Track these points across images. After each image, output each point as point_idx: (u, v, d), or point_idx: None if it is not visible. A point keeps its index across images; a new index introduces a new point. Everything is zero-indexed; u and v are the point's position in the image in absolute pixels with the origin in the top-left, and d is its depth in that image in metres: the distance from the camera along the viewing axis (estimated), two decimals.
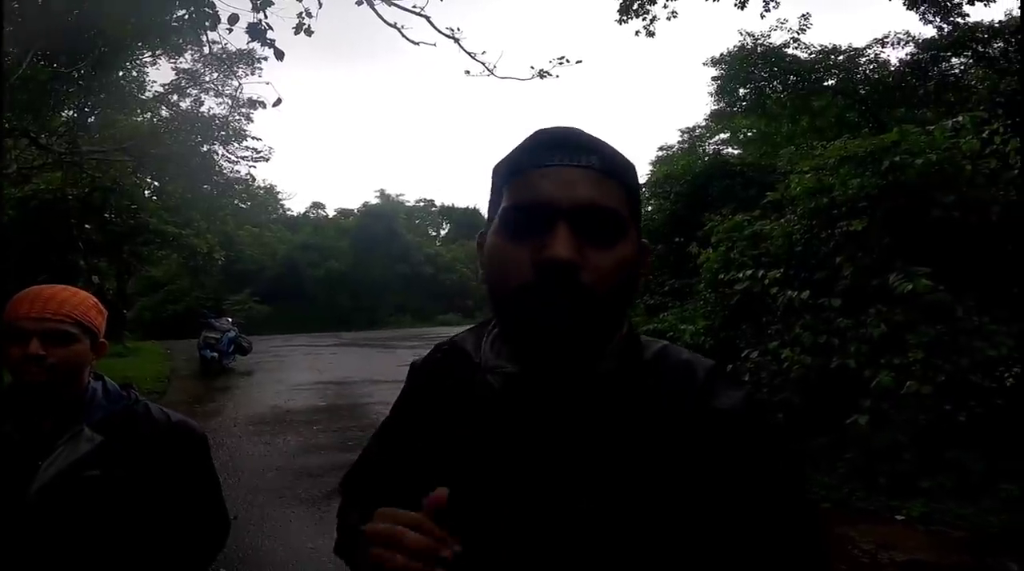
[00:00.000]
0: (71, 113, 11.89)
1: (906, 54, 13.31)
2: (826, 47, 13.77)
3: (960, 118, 5.22)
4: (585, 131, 0.72)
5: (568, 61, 6.88)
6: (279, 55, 4.85)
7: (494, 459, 0.70)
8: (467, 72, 6.80)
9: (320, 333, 24.76)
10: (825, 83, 13.78)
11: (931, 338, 4.47)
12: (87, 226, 15.26)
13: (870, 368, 4.64)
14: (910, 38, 13.28)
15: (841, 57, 13.71)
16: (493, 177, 0.75)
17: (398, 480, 0.77)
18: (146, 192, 17.34)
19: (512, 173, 0.71)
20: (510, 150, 0.74)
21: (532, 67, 7.16)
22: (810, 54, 13.63)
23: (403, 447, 0.81)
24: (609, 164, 0.69)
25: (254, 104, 6.19)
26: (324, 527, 4.48)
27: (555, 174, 0.67)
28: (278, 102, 6.13)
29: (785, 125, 15.05)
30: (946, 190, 4.81)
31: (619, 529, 0.64)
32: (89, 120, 12.85)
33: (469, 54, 6.33)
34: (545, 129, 0.72)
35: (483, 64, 6.31)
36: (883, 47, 13.80)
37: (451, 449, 0.73)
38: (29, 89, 8.44)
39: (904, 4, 11.30)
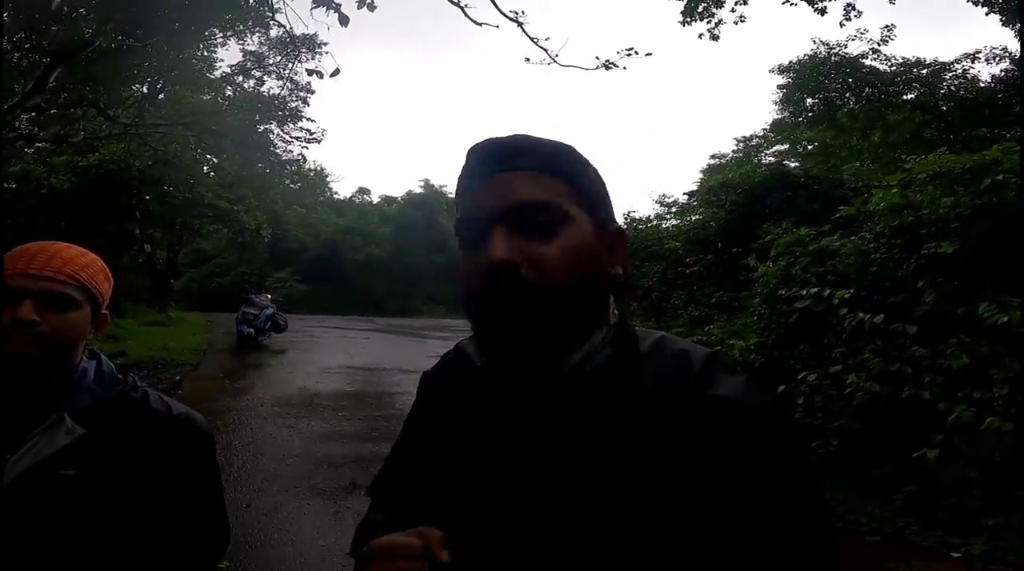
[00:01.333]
0: (141, 87, 12.22)
1: (1000, 71, 12.52)
2: (908, 60, 13.08)
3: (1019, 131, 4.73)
4: (519, 134, 0.73)
5: (636, 53, 6.56)
6: (344, 20, 4.71)
7: (491, 459, 0.71)
8: (527, 59, 6.58)
9: (354, 316, 25.04)
10: (904, 97, 13.07)
11: (1018, 373, 4.06)
12: (146, 197, 15.70)
13: (945, 401, 4.24)
14: (1007, 54, 12.49)
15: (924, 71, 13.00)
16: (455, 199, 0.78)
17: (414, 484, 0.79)
18: (204, 167, 17.80)
19: (458, 191, 0.75)
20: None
21: (597, 58, 6.84)
22: (890, 66, 12.96)
23: (416, 451, 0.84)
24: (543, 161, 0.70)
25: (312, 73, 6.11)
26: (338, 523, 4.30)
27: (490, 182, 0.70)
28: (336, 72, 6.02)
29: (854, 139, 14.37)
30: None
31: (613, 528, 0.63)
32: (159, 96, 13.24)
33: (532, 39, 6.10)
34: (478, 143, 0.74)
35: (546, 51, 6.05)
36: (973, 62, 13.03)
37: (455, 451, 0.75)
38: (103, 61, 8.60)
39: (1000, 20, 10.56)
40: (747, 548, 0.60)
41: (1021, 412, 3.92)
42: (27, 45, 8.73)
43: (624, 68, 6.95)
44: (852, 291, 5.16)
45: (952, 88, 13.11)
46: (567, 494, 0.65)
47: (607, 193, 0.76)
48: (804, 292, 5.61)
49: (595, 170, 0.75)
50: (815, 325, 5.53)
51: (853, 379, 4.53)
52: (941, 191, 4.79)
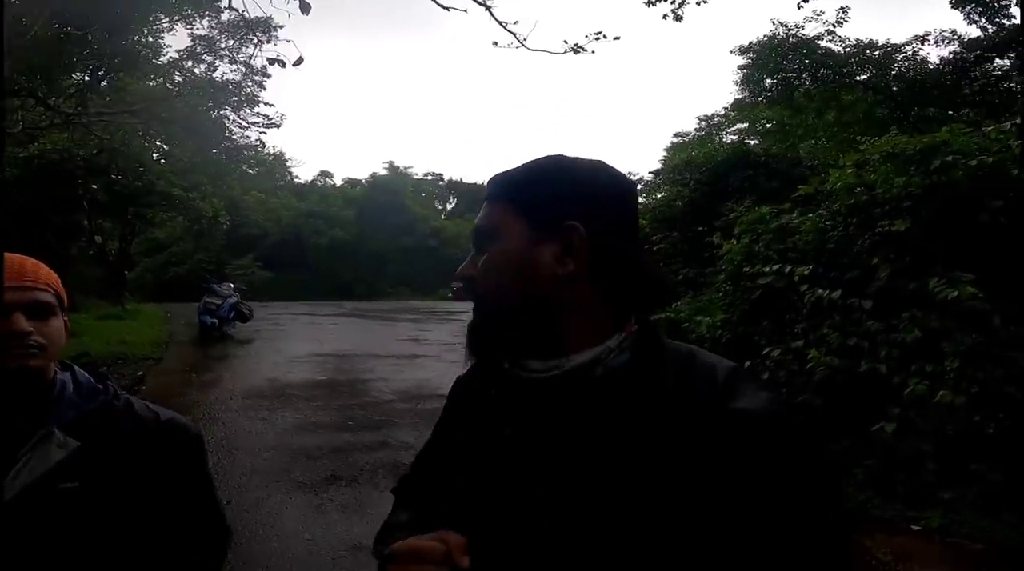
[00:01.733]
0: (83, 75, 11.71)
1: (949, 53, 12.97)
2: (862, 41, 13.43)
3: (1020, 119, 4.95)
4: (494, 175, 0.84)
5: (605, 37, 6.56)
6: (305, 8, 4.57)
7: (509, 460, 0.74)
8: (495, 43, 6.51)
9: (320, 302, 24.66)
10: (857, 78, 13.43)
11: (968, 347, 4.28)
12: (93, 186, 15.14)
13: (900, 374, 4.46)
14: (955, 36, 12.92)
15: (877, 52, 13.38)
16: None
17: (440, 488, 0.84)
18: (154, 155, 17.26)
19: None
20: None
21: (566, 42, 6.82)
22: (844, 48, 13.29)
23: (443, 455, 0.89)
24: (499, 190, 0.82)
25: (274, 62, 5.91)
26: (322, 517, 4.29)
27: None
28: (299, 61, 5.85)
29: (809, 118, 14.73)
30: (995, 194, 4.57)
31: (631, 535, 0.64)
32: (101, 84, 12.71)
33: (500, 23, 6.04)
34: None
35: (514, 35, 6.00)
36: (923, 44, 13.47)
37: (479, 455, 0.79)
38: (41, 50, 8.20)
39: (950, 3, 10.89)
40: (764, 558, 0.62)
41: (972, 386, 4.13)
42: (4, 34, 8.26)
43: (592, 52, 6.95)
44: (811, 267, 5.34)
45: (903, 69, 13.54)
46: (578, 496, 0.68)
47: (566, 195, 0.76)
48: (767, 269, 5.78)
49: (556, 177, 0.78)
50: (777, 301, 5.71)
51: (814, 354, 4.71)
52: (894, 171, 4.98)
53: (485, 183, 0.88)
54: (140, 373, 9.01)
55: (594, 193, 0.77)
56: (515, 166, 0.83)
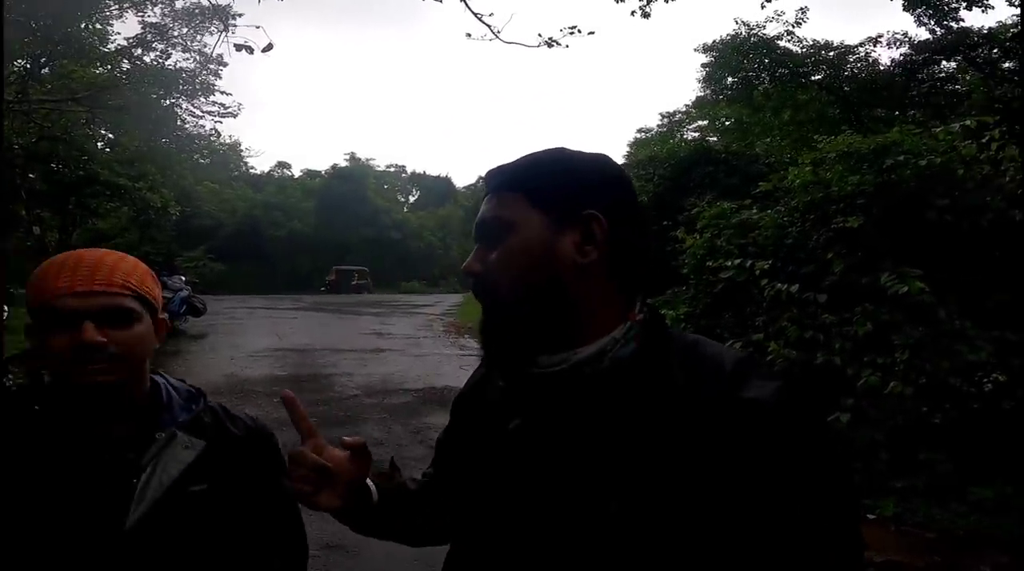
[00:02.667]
0: (24, 62, 11.15)
1: (900, 54, 13.46)
2: (818, 42, 13.85)
3: (967, 122, 5.19)
4: (497, 166, 0.82)
5: (580, 31, 6.54)
6: None
7: (514, 456, 0.74)
8: (468, 35, 6.39)
9: (279, 295, 24.08)
10: (812, 78, 13.85)
11: (916, 339, 4.48)
12: (31, 175, 14.44)
13: (853, 366, 4.63)
14: (906, 39, 13.41)
15: (832, 53, 13.82)
16: None
17: (445, 478, 0.89)
18: (99, 143, 16.54)
19: None
20: None
21: (540, 35, 6.74)
22: (802, 48, 13.69)
23: (447, 450, 0.92)
24: (502, 182, 0.80)
25: (241, 49, 5.66)
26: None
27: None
28: (269, 47, 5.63)
29: (767, 116, 15.13)
30: (941, 193, 4.79)
31: (646, 530, 0.64)
32: (43, 71, 12.14)
33: (475, 14, 5.94)
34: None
35: (488, 27, 5.92)
36: (875, 46, 13.95)
37: (485, 449, 0.79)
38: None
39: (903, 5, 11.32)
40: (775, 548, 0.62)
41: (920, 377, 4.30)
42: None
43: (567, 46, 6.90)
44: (771, 262, 5.49)
45: (855, 70, 14.03)
46: (587, 490, 0.68)
47: (573, 188, 0.77)
48: (729, 263, 5.92)
49: (561, 170, 0.78)
50: (738, 295, 5.86)
51: (773, 346, 4.85)
52: (848, 169, 5.16)
53: (481, 176, 0.89)
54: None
55: (605, 182, 0.78)
56: (517, 158, 0.82)
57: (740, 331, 5.62)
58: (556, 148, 0.82)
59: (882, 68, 13.76)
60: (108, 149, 16.90)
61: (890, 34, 13.96)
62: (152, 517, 0.93)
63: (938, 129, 5.36)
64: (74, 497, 0.90)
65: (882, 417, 4.50)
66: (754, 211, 6.44)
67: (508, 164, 0.82)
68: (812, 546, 0.63)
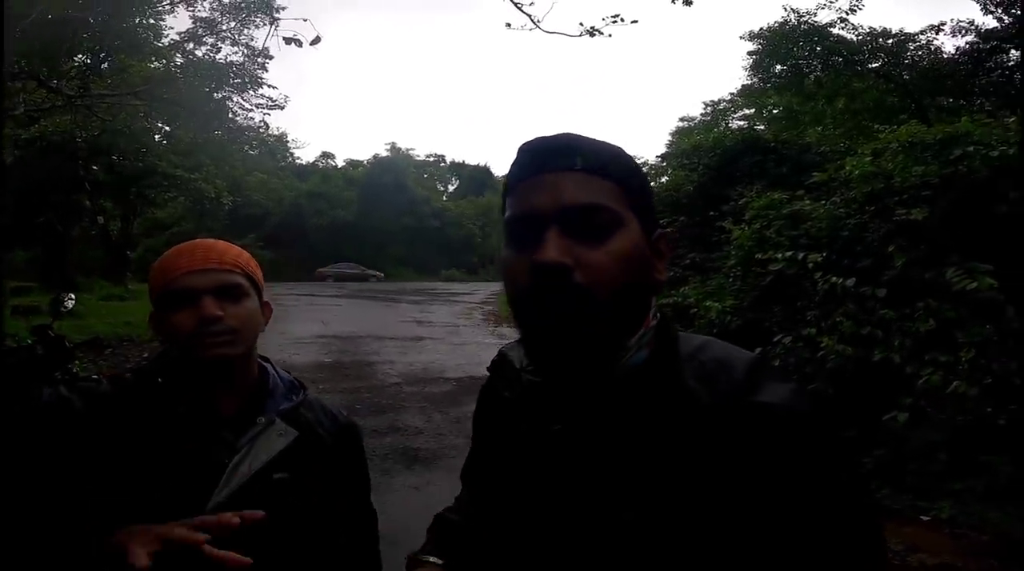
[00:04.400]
0: (84, 58, 11.60)
1: (965, 43, 12.83)
2: (875, 30, 13.31)
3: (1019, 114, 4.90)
4: (570, 134, 0.72)
5: (622, 20, 6.43)
6: None
7: (528, 464, 0.72)
8: (508, 25, 6.36)
9: (323, 282, 24.61)
10: (868, 66, 13.32)
11: (983, 338, 4.28)
12: (94, 167, 15.09)
13: (913, 364, 4.45)
14: (972, 27, 12.77)
15: (890, 41, 13.27)
16: (502, 193, 0.78)
17: (474, 481, 0.86)
18: (156, 136, 17.21)
19: (509, 188, 0.74)
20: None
21: (581, 24, 6.65)
22: (857, 36, 13.18)
23: (475, 461, 0.89)
24: (593, 162, 0.70)
25: (290, 42, 5.77)
26: None
27: (541, 182, 0.69)
28: (317, 40, 5.74)
29: (819, 105, 14.63)
30: (1014, 186, 4.54)
31: (661, 539, 0.62)
32: (103, 66, 12.62)
33: (516, 4, 5.91)
34: (530, 141, 0.73)
35: (529, 16, 5.89)
36: (938, 34, 13.33)
37: (497, 455, 0.78)
38: (42, 33, 8.11)
39: None
40: (791, 556, 0.60)
41: (985, 377, 4.12)
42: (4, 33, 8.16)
43: (610, 35, 6.79)
44: (825, 255, 5.32)
45: (915, 58, 13.41)
46: (599, 500, 0.66)
47: (652, 197, 0.76)
48: (779, 255, 5.75)
49: (644, 174, 0.76)
50: (789, 288, 5.70)
51: (827, 341, 4.70)
52: (912, 160, 4.94)
53: (555, 145, 0.72)
54: (145, 355, 9.00)
55: (650, 192, 0.76)
56: (598, 140, 0.74)
57: (790, 325, 5.46)
58: (618, 145, 0.76)
59: (946, 56, 13.13)
60: (165, 141, 17.53)
61: (954, 22, 13.31)
62: (233, 501, 0.94)
63: (1011, 119, 5.07)
64: (169, 469, 0.93)
65: (943, 417, 4.32)
66: (807, 202, 6.24)
67: (582, 139, 0.72)
68: (832, 553, 0.60)
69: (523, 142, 0.74)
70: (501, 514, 0.74)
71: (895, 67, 13.46)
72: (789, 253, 5.65)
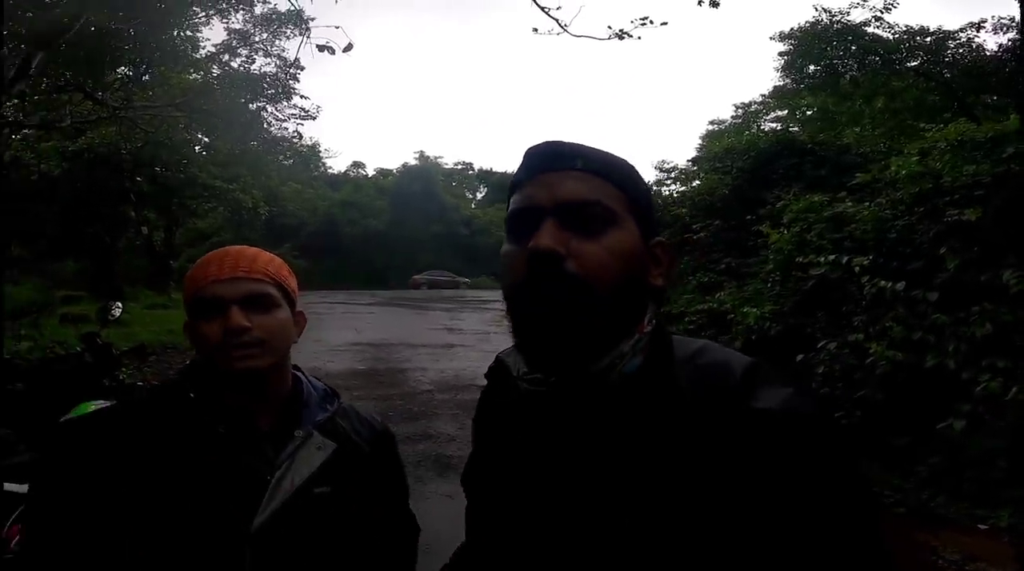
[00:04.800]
0: (126, 70, 11.99)
1: (1008, 40, 12.40)
2: (912, 28, 12.96)
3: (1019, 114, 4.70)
4: (571, 142, 0.75)
5: (651, 22, 6.39)
6: None
7: (524, 469, 0.71)
8: (535, 30, 6.36)
9: (356, 290, 24.98)
10: (907, 65, 12.99)
11: None
12: (138, 179, 15.54)
13: (969, 370, 4.29)
14: (1013, 23, 12.34)
15: (928, 39, 12.89)
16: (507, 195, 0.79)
17: (474, 488, 0.83)
18: (196, 147, 17.59)
19: (512, 188, 0.76)
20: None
21: (610, 27, 6.62)
22: (893, 34, 12.85)
23: (473, 459, 0.87)
24: (592, 164, 0.71)
25: (323, 49, 5.89)
26: None
27: (542, 179, 0.71)
28: (349, 47, 5.84)
29: (856, 105, 14.29)
30: None
31: (659, 547, 0.61)
32: (144, 78, 13.03)
33: (542, 8, 5.92)
34: (534, 145, 0.75)
35: (556, 20, 5.89)
36: (978, 31, 12.92)
37: (494, 460, 0.77)
38: (84, 45, 8.40)
39: None
40: (794, 561, 0.59)
41: None
42: (4, 32, 8.49)
43: (639, 38, 6.75)
44: (871, 258, 5.17)
45: (956, 56, 13.02)
46: (594, 505, 0.65)
47: (653, 205, 0.77)
48: (821, 259, 5.62)
49: (645, 182, 0.76)
50: (832, 292, 5.55)
51: (876, 347, 4.56)
52: (962, 159, 4.78)
53: (556, 145, 0.74)
54: (187, 363, 9.22)
55: (651, 200, 0.76)
56: (598, 148, 0.75)
57: (834, 330, 5.32)
58: (620, 156, 0.77)
59: (988, 54, 12.72)
60: (204, 153, 18.00)
61: (995, 19, 12.90)
62: (277, 519, 0.90)
63: None
64: (211, 488, 0.90)
65: (1002, 424, 4.16)
66: (849, 204, 6.09)
67: (585, 146, 0.74)
68: (836, 558, 0.59)
69: (528, 146, 0.76)
70: (502, 521, 0.73)
71: (935, 65, 13.08)
72: (832, 257, 5.51)
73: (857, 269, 5.10)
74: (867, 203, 5.81)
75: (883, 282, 4.79)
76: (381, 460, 1.07)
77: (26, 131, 12.65)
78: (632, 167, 0.75)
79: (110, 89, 11.00)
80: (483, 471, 0.80)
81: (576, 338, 0.65)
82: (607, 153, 0.74)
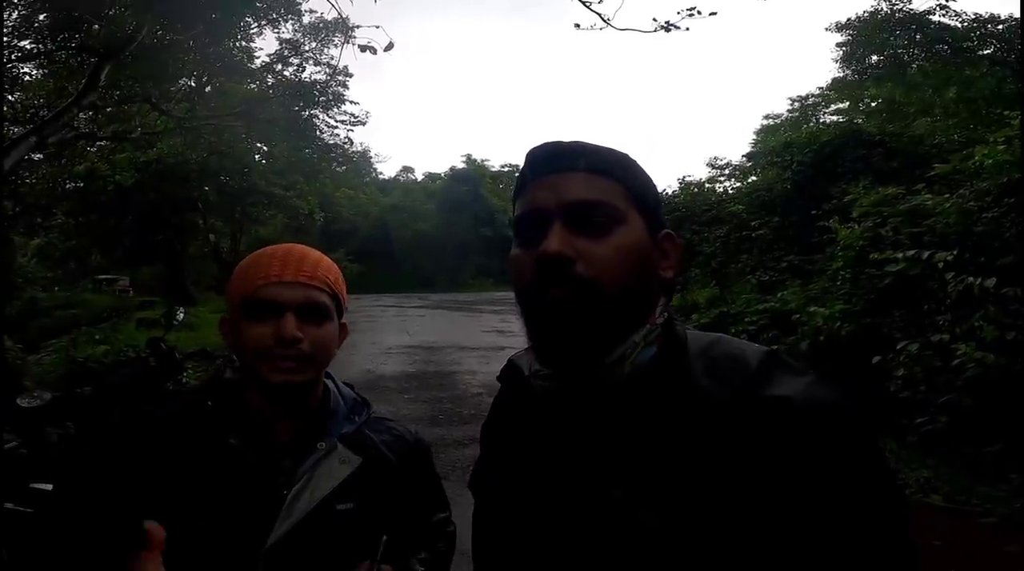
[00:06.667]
0: (188, 81, 12.50)
1: None
2: (981, 15, 12.26)
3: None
4: (572, 141, 0.75)
5: (699, 13, 6.17)
6: None
7: (539, 466, 0.71)
8: (577, 26, 6.23)
9: (407, 293, 25.38)
10: (979, 53, 12.27)
11: None
12: (205, 188, 16.22)
13: None
14: None
15: (1000, 27, 12.15)
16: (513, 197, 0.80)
17: (483, 489, 0.83)
18: (255, 156, 18.22)
19: (517, 191, 0.77)
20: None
21: (655, 19, 6.41)
22: (962, 22, 12.17)
23: (481, 463, 0.87)
24: (595, 163, 0.72)
25: (366, 49, 5.98)
26: None
27: (546, 182, 0.72)
28: (390, 46, 5.88)
29: (926, 95, 13.55)
30: None
31: (677, 540, 0.60)
32: (206, 89, 13.60)
33: (584, 3, 5.82)
34: (536, 146, 0.76)
35: (599, 15, 5.77)
36: None
37: (508, 459, 0.77)
38: (147, 57, 8.77)
39: None
40: (817, 554, 0.57)
41: None
42: (72, 44, 8.92)
43: (686, 29, 6.51)
44: (955, 253, 4.83)
45: None
46: (610, 498, 0.64)
47: (659, 199, 0.77)
48: (898, 255, 5.30)
49: (648, 175, 0.77)
50: (911, 290, 5.23)
51: (965, 349, 4.25)
52: None
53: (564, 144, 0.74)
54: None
55: (658, 197, 0.77)
56: (600, 145, 0.75)
57: (915, 331, 5.00)
58: (621, 150, 0.77)
59: None
60: (262, 161, 18.68)
61: None
62: (295, 535, 0.86)
63: None
64: (226, 501, 0.85)
65: None
66: (928, 196, 5.73)
67: (587, 144, 0.74)
68: (860, 553, 0.57)
69: (530, 148, 0.77)
70: (513, 521, 0.73)
71: (1010, 53, 12.32)
72: (911, 252, 5.19)
73: (940, 265, 4.77)
74: (947, 195, 5.45)
75: (970, 279, 4.47)
76: (411, 474, 1.01)
77: (100, 143, 13.39)
78: (635, 162, 0.76)
79: (174, 100, 11.50)
80: (494, 473, 0.80)
81: (587, 334, 0.67)
82: (610, 150, 0.75)
